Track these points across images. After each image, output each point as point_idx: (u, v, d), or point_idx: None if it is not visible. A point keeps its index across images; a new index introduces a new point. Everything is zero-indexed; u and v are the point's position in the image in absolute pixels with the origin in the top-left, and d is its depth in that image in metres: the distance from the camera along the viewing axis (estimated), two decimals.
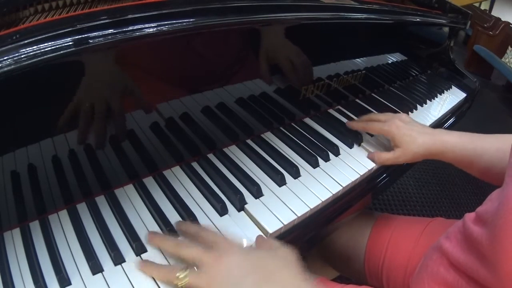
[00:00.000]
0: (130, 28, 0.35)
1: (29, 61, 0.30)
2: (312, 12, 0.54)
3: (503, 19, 3.13)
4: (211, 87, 0.51)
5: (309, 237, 0.50)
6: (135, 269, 0.39)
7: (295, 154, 0.59)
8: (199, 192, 0.49)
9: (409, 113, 0.81)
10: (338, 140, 0.64)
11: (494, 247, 0.32)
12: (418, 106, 0.84)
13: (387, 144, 0.64)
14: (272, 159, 0.56)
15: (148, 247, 0.41)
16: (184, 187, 0.49)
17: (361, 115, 0.69)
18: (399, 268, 0.63)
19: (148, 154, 0.48)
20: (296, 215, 0.48)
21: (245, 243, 0.43)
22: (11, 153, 0.37)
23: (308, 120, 0.68)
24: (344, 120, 0.70)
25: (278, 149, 0.59)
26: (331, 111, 0.73)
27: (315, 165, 0.57)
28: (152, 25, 0.37)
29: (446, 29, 1.00)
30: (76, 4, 0.46)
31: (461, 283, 0.39)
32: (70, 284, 0.36)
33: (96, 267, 0.38)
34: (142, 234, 0.42)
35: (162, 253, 0.40)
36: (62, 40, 0.32)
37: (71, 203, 0.44)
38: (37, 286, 0.35)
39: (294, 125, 0.66)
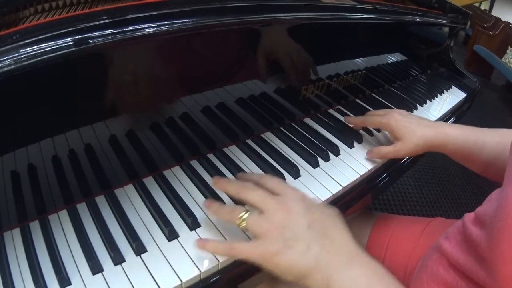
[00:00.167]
0: (130, 28, 0.35)
1: (29, 61, 0.30)
2: (312, 12, 0.54)
3: (503, 19, 3.13)
4: (211, 87, 0.51)
5: None
6: (134, 268, 0.39)
7: (295, 154, 0.59)
8: (199, 192, 0.49)
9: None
10: (338, 140, 0.64)
11: (492, 249, 0.32)
12: (418, 106, 0.84)
13: (388, 144, 0.64)
14: (272, 159, 0.56)
15: (148, 247, 0.41)
16: (184, 187, 0.49)
17: (361, 115, 0.69)
18: (399, 268, 0.63)
19: (148, 154, 0.48)
20: None
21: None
22: (11, 153, 0.37)
23: (308, 120, 0.68)
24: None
25: (278, 149, 0.59)
26: (331, 111, 0.73)
27: (315, 165, 0.57)
28: (152, 25, 0.37)
29: (446, 29, 1.00)
30: (76, 4, 0.46)
31: (460, 284, 0.39)
32: (70, 284, 0.36)
33: (96, 267, 0.38)
34: (142, 234, 0.42)
35: (184, 250, 0.40)
36: (62, 40, 0.32)
37: (71, 203, 0.44)
38: (37, 286, 0.35)
39: (294, 125, 0.66)
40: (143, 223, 0.44)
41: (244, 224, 0.37)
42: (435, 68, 1.07)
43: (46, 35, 0.31)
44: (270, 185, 0.41)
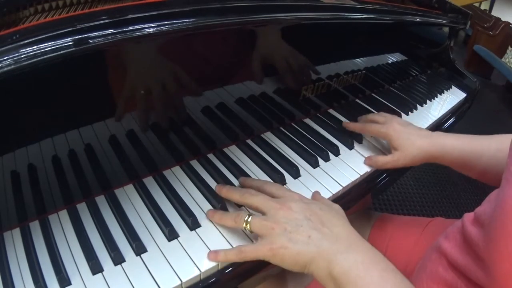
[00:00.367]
0: (130, 28, 0.35)
1: (29, 61, 0.30)
2: (312, 12, 0.54)
3: (503, 19, 3.13)
4: (211, 87, 0.51)
5: None
6: (134, 268, 0.39)
7: (295, 154, 0.59)
8: (199, 192, 0.49)
9: (409, 113, 0.81)
10: (338, 140, 0.64)
11: (489, 249, 0.32)
12: (418, 106, 0.84)
13: (387, 145, 0.64)
14: (272, 159, 0.56)
15: (148, 247, 0.41)
16: (184, 187, 0.49)
17: (361, 115, 0.69)
18: (399, 267, 0.62)
19: (148, 154, 0.48)
20: None
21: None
22: (11, 153, 0.37)
23: (308, 120, 0.68)
24: (344, 120, 0.70)
25: (278, 149, 0.59)
26: (331, 111, 0.73)
27: (315, 165, 0.57)
28: (152, 25, 0.37)
29: (446, 29, 1.00)
30: (76, 4, 0.46)
31: (459, 284, 0.39)
32: (70, 284, 0.36)
33: (96, 267, 0.38)
34: (142, 234, 0.42)
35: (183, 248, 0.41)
36: (62, 40, 0.32)
37: (71, 203, 0.44)
38: (37, 286, 0.35)
39: (294, 125, 0.66)
40: (143, 223, 0.44)
41: (249, 227, 0.40)
42: (435, 68, 1.07)
43: (46, 35, 0.31)
44: (270, 190, 0.45)
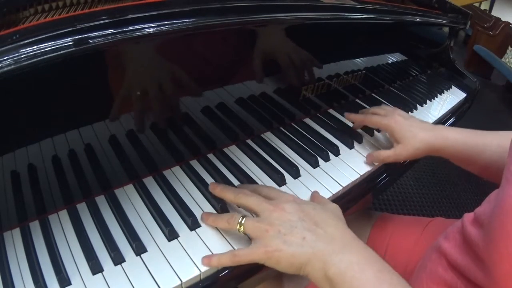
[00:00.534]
0: (130, 28, 0.35)
1: (29, 61, 0.30)
2: (312, 12, 0.54)
3: (503, 19, 3.13)
4: (211, 87, 0.51)
5: None
6: (134, 268, 0.39)
7: (295, 154, 0.59)
8: (199, 192, 0.49)
9: (409, 113, 0.81)
10: (338, 140, 0.64)
11: (489, 249, 0.32)
12: (418, 106, 0.84)
13: (387, 145, 0.64)
14: (272, 159, 0.56)
15: (148, 247, 0.41)
16: (184, 187, 0.49)
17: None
18: (399, 267, 0.63)
19: (148, 154, 0.48)
20: None
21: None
22: (11, 153, 0.37)
23: (308, 120, 0.68)
24: (344, 120, 0.70)
25: (278, 149, 0.59)
26: (331, 111, 0.73)
27: (315, 165, 0.57)
28: (152, 25, 0.37)
29: (446, 29, 1.00)
30: (76, 4, 0.46)
31: (459, 284, 0.39)
32: (70, 284, 0.36)
33: (96, 267, 0.38)
34: (142, 234, 0.42)
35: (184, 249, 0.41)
36: (62, 40, 0.32)
37: (71, 203, 0.44)
38: (37, 286, 0.35)
39: (294, 125, 0.66)
40: (143, 223, 0.44)
41: (243, 229, 0.40)
42: (435, 68, 1.07)
43: (46, 35, 0.31)
44: (264, 191, 0.44)
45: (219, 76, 0.52)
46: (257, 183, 0.51)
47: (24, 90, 0.35)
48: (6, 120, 0.35)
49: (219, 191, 0.45)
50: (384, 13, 0.69)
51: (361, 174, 0.58)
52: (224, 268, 0.41)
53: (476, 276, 0.35)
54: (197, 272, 0.39)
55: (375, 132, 0.68)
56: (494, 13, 3.56)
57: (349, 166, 0.59)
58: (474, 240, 0.36)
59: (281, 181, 0.52)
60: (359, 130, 0.67)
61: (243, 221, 0.40)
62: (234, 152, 0.57)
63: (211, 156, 0.55)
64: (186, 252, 0.41)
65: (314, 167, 0.57)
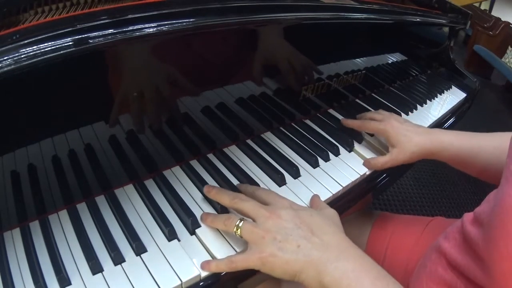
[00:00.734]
0: (130, 28, 0.35)
1: (29, 61, 0.30)
2: (312, 12, 0.54)
3: (503, 19, 3.13)
4: (211, 87, 0.51)
5: None
6: (134, 268, 0.39)
7: (295, 154, 0.59)
8: (199, 192, 0.49)
9: (409, 113, 0.81)
10: (338, 140, 0.64)
11: (488, 248, 0.32)
12: (418, 106, 0.84)
13: (387, 145, 0.64)
14: (272, 159, 0.56)
15: (148, 247, 0.41)
16: (184, 187, 0.49)
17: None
18: (399, 267, 0.63)
19: (148, 154, 0.48)
20: None
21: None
22: (11, 153, 0.37)
23: (308, 120, 0.68)
24: None
25: (278, 149, 0.59)
26: (331, 111, 0.73)
27: (315, 165, 0.57)
28: (152, 25, 0.37)
29: (446, 29, 1.00)
30: (76, 4, 0.46)
31: (459, 283, 0.39)
32: (70, 284, 0.36)
33: (96, 267, 0.38)
34: (142, 234, 0.42)
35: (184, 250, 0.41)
36: (62, 40, 0.32)
37: (71, 203, 0.44)
38: (37, 286, 0.35)
39: (294, 125, 0.66)
40: (143, 223, 0.44)
41: (239, 233, 0.40)
42: (435, 68, 1.07)
43: (46, 35, 0.31)
44: (261, 196, 0.44)
45: (219, 76, 0.52)
46: (257, 183, 0.51)
47: (24, 90, 0.35)
48: (6, 120, 0.35)
49: (214, 194, 0.45)
50: (384, 13, 0.69)
51: (361, 174, 0.58)
52: None
53: (476, 275, 0.35)
54: (197, 272, 0.39)
55: None
56: (494, 13, 3.56)
57: (349, 166, 0.59)
58: (474, 239, 0.36)
59: (281, 181, 0.52)
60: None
61: (240, 224, 0.40)
62: (234, 152, 0.57)
63: (211, 156, 0.55)
64: (186, 252, 0.41)
65: (314, 167, 0.57)
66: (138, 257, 0.40)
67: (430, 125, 0.79)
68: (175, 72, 0.46)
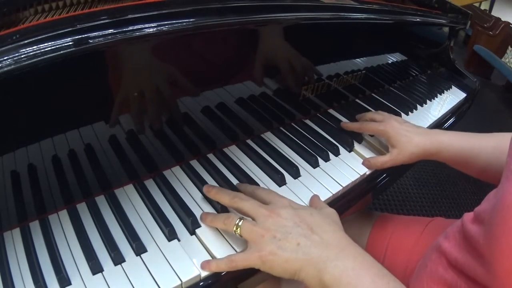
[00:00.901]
0: (130, 28, 0.35)
1: (29, 61, 0.30)
2: (312, 12, 0.54)
3: (503, 19, 3.13)
4: (211, 87, 0.51)
5: None
6: (134, 268, 0.39)
7: (295, 154, 0.59)
8: (199, 192, 0.49)
9: (409, 113, 0.81)
10: (338, 140, 0.64)
11: (490, 245, 0.32)
12: (418, 106, 0.84)
13: (387, 145, 0.64)
14: (272, 159, 0.56)
15: (148, 247, 0.41)
16: (184, 187, 0.49)
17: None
18: (399, 267, 0.63)
19: (148, 154, 0.48)
20: None
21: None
22: (11, 153, 0.37)
23: (308, 120, 0.68)
24: (344, 120, 0.70)
25: (278, 149, 0.59)
26: (331, 111, 0.73)
27: (315, 165, 0.57)
28: (152, 25, 0.37)
29: (446, 29, 1.00)
30: (76, 4, 0.46)
31: (459, 283, 0.39)
32: (70, 284, 0.36)
33: (96, 267, 0.38)
34: (142, 234, 0.42)
35: (184, 250, 0.41)
36: (62, 40, 0.32)
37: (71, 203, 0.44)
38: (37, 286, 0.35)
39: (294, 125, 0.66)
40: (143, 223, 0.44)
41: (239, 231, 0.40)
42: (435, 68, 1.07)
43: (46, 35, 0.31)
44: (260, 195, 0.45)
45: (219, 76, 0.52)
46: (257, 183, 0.51)
47: (24, 90, 0.35)
48: (6, 120, 0.35)
49: (214, 194, 0.45)
50: (384, 13, 0.69)
51: (361, 174, 0.58)
52: None
53: (477, 273, 0.35)
54: (197, 272, 0.39)
55: None
56: (494, 13, 3.56)
57: (349, 166, 0.59)
58: (475, 238, 0.36)
59: (281, 181, 0.52)
60: None
61: (240, 223, 0.40)
62: (234, 152, 0.57)
63: (211, 156, 0.55)
64: (186, 252, 0.41)
65: (314, 167, 0.57)
66: (138, 257, 0.40)
67: (430, 125, 0.79)
68: (175, 72, 0.46)
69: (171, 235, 0.42)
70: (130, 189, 0.48)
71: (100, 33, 0.34)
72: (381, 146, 0.65)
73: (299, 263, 0.38)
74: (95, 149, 0.44)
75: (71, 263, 0.38)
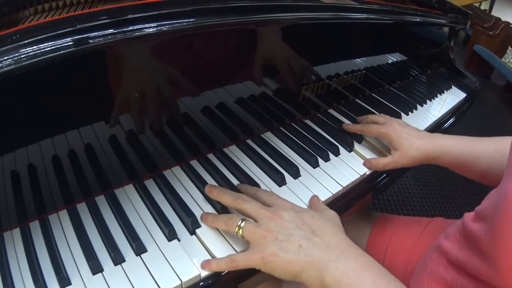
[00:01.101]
0: (130, 28, 0.35)
1: (29, 61, 0.30)
2: (312, 12, 0.54)
3: (503, 19, 3.13)
4: (211, 87, 0.51)
5: None
6: (134, 268, 0.39)
7: (295, 154, 0.59)
8: (199, 192, 0.49)
9: (409, 113, 0.81)
10: (338, 140, 0.64)
11: (493, 242, 0.33)
12: (418, 106, 0.84)
13: (387, 145, 0.64)
14: (272, 159, 0.56)
15: (148, 247, 0.41)
16: (184, 187, 0.49)
17: (361, 115, 0.69)
18: (399, 267, 0.63)
19: (148, 154, 0.48)
20: None
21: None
22: (11, 153, 0.37)
23: (308, 120, 0.68)
24: (344, 120, 0.70)
25: (278, 149, 0.59)
26: (331, 111, 0.73)
27: (315, 165, 0.57)
28: (152, 25, 0.37)
29: (446, 29, 1.00)
30: (76, 4, 0.46)
31: (460, 282, 0.39)
32: (70, 284, 0.36)
33: (96, 267, 0.38)
34: (142, 234, 0.42)
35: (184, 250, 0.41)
36: (62, 40, 0.32)
37: (71, 203, 0.44)
38: (37, 286, 0.35)
39: (294, 125, 0.66)
40: (143, 223, 0.44)
41: (241, 232, 0.40)
42: (435, 68, 1.07)
43: (46, 35, 0.31)
44: (262, 197, 0.45)
45: (219, 76, 0.52)
46: (257, 183, 0.51)
47: (24, 90, 0.35)
48: (6, 120, 0.35)
49: (216, 194, 0.45)
50: (384, 13, 0.69)
51: (361, 174, 0.58)
52: None
53: (479, 270, 0.35)
54: (197, 272, 0.39)
55: None
56: (494, 13, 3.56)
57: (349, 166, 0.59)
58: (477, 235, 0.36)
59: (281, 181, 0.52)
60: None
61: (242, 224, 0.40)
62: (234, 152, 0.57)
63: (211, 156, 0.55)
64: (186, 252, 0.41)
65: (314, 167, 0.57)
66: (138, 257, 0.40)
67: (430, 124, 0.79)
68: (175, 72, 0.46)
69: (171, 235, 0.42)
70: (130, 189, 0.48)
71: (100, 33, 0.34)
72: (381, 146, 0.65)
73: (300, 265, 0.38)
74: (95, 149, 0.44)
75: (71, 263, 0.38)
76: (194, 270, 0.39)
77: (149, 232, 0.43)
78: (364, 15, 0.63)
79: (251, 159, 0.56)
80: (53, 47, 0.31)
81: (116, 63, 0.40)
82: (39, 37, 0.31)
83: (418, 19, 0.80)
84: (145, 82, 0.44)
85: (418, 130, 0.61)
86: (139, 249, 0.40)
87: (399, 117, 0.77)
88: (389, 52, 0.85)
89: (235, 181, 0.51)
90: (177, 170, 0.52)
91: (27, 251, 0.38)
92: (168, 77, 0.46)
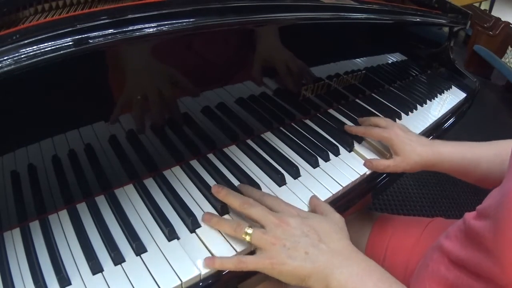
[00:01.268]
0: (130, 28, 0.35)
1: (29, 61, 0.30)
2: (312, 12, 0.54)
3: (503, 19, 3.13)
4: (211, 87, 0.51)
5: None
6: (134, 268, 0.39)
7: (295, 154, 0.59)
8: (199, 192, 0.49)
9: (409, 113, 0.81)
10: (338, 140, 0.64)
11: (497, 238, 0.33)
12: (418, 106, 0.84)
13: (387, 146, 0.64)
14: (272, 159, 0.56)
15: (148, 247, 0.41)
16: (184, 187, 0.49)
17: (361, 115, 0.69)
18: (399, 268, 0.63)
19: (148, 154, 0.48)
20: None
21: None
22: (11, 153, 0.37)
23: (308, 120, 0.68)
24: (344, 120, 0.70)
25: (278, 149, 0.59)
26: (331, 111, 0.73)
27: (315, 165, 0.57)
28: (152, 25, 0.37)
29: (446, 29, 1.00)
30: (76, 4, 0.46)
31: (461, 280, 0.39)
32: (70, 284, 0.36)
33: (96, 267, 0.38)
34: (142, 234, 0.42)
35: (183, 249, 0.40)
36: (62, 40, 0.32)
37: (71, 203, 0.44)
38: (37, 286, 0.35)
39: (294, 125, 0.66)
40: (143, 223, 0.44)
41: (249, 239, 0.41)
42: (435, 68, 1.07)
43: (46, 35, 0.31)
44: (269, 203, 0.45)
45: (219, 76, 0.52)
46: (257, 183, 0.51)
47: (24, 90, 0.35)
48: (6, 120, 0.35)
49: (224, 195, 0.46)
50: (384, 13, 0.69)
51: (361, 174, 0.58)
52: None
53: (482, 267, 0.36)
54: (197, 272, 0.39)
55: None
56: (494, 13, 3.56)
57: (349, 166, 0.59)
58: (479, 233, 0.36)
59: (281, 181, 0.52)
60: None
61: (249, 231, 0.41)
62: (234, 152, 0.57)
63: (211, 156, 0.55)
64: (186, 252, 0.41)
65: (314, 167, 0.57)
66: (138, 257, 0.40)
67: (430, 124, 0.79)
68: (175, 72, 0.46)
69: (171, 235, 0.42)
70: (130, 189, 0.48)
71: (100, 33, 0.34)
72: (381, 146, 0.65)
73: (307, 270, 0.39)
74: (95, 149, 0.44)
75: (71, 263, 0.38)
76: (194, 270, 0.39)
77: (149, 232, 0.43)
78: (364, 15, 0.63)
79: (251, 159, 0.56)
80: (53, 47, 0.31)
81: (116, 63, 0.40)
82: (39, 37, 0.31)
83: (418, 19, 0.80)
84: (145, 82, 0.44)
85: (419, 136, 0.61)
86: (139, 249, 0.40)
87: (399, 117, 0.77)
88: (389, 52, 0.85)
89: (235, 181, 0.51)
90: (177, 170, 0.52)
91: (27, 251, 0.38)
92: (168, 77, 0.46)
